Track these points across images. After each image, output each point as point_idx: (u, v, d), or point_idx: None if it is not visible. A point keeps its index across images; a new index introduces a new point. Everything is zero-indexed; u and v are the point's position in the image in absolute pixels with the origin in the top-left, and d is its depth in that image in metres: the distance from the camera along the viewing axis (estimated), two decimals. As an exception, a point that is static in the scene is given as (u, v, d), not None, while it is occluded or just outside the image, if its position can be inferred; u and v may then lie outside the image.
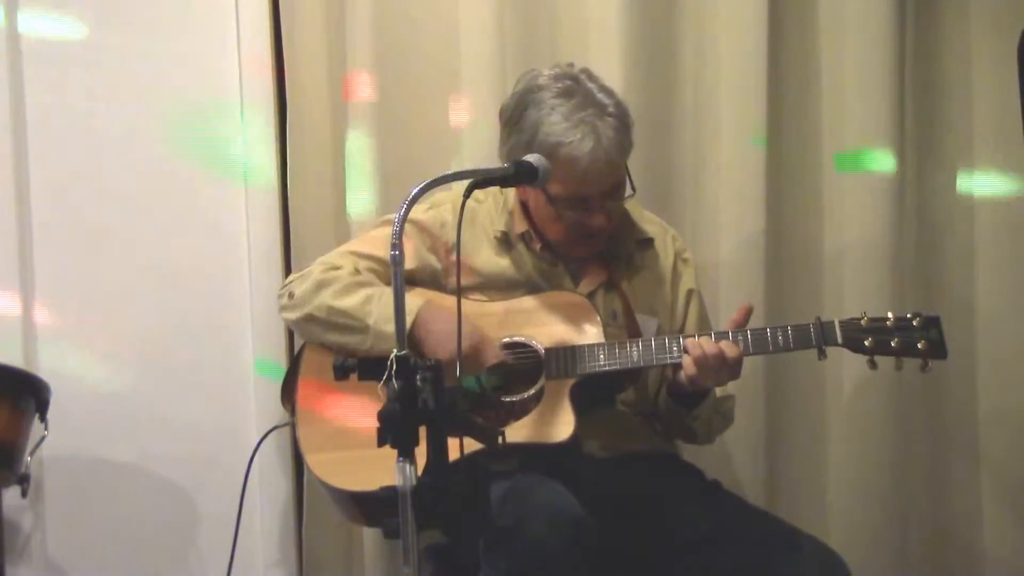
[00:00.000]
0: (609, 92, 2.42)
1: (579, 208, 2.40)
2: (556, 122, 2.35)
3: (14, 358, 2.83)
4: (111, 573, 2.96)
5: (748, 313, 2.39)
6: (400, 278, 1.90)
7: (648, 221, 2.63)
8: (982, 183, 3.12)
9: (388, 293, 2.38)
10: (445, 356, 2.24)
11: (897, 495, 3.04)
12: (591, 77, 2.43)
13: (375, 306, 2.39)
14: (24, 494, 2.71)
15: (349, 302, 2.41)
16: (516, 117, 2.41)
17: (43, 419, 2.74)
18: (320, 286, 2.45)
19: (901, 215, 3.04)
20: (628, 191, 2.45)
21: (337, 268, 2.48)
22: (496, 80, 2.90)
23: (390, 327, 2.33)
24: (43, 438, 2.75)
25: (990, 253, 3.12)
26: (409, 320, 2.32)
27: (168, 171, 2.97)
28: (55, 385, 2.76)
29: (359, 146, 2.91)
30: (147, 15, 2.96)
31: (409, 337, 2.30)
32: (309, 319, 2.45)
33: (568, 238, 2.46)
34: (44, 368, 2.88)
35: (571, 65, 2.46)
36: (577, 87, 2.39)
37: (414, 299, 2.38)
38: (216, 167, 2.98)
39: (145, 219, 2.97)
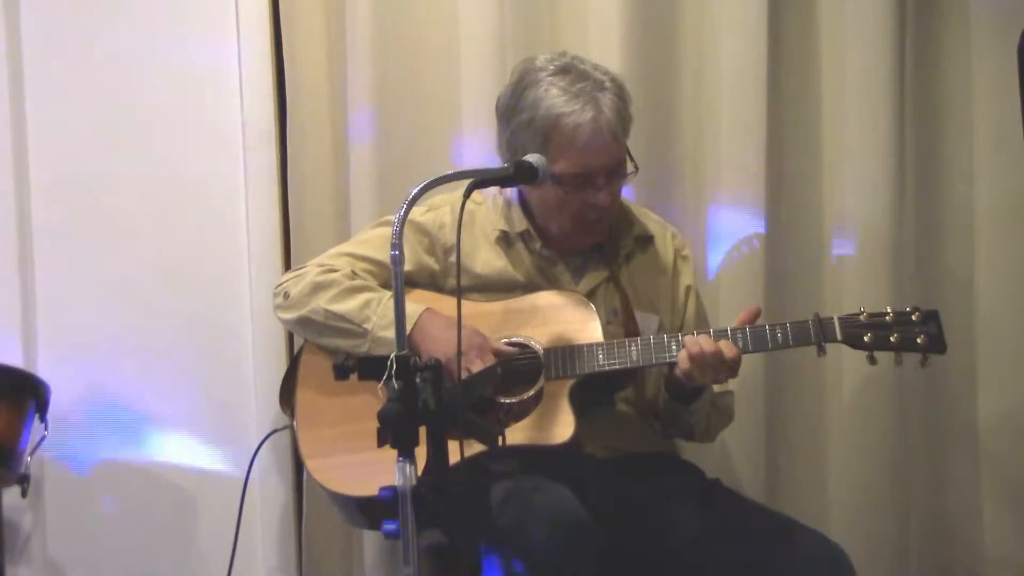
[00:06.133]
0: (604, 70, 2.43)
1: (585, 187, 2.39)
2: (556, 95, 2.36)
3: (14, 358, 2.83)
4: (111, 573, 2.97)
5: (755, 316, 2.38)
6: (400, 279, 1.90)
7: (648, 218, 2.63)
8: (982, 183, 3.11)
9: (387, 298, 2.39)
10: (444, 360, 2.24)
11: (897, 492, 3.04)
12: (583, 60, 2.44)
13: (373, 311, 2.39)
14: (24, 494, 2.72)
15: (347, 306, 2.41)
16: (514, 102, 2.41)
17: (43, 419, 2.74)
18: (316, 288, 2.44)
19: (901, 215, 3.04)
20: (631, 168, 2.44)
21: (334, 270, 2.47)
22: (497, 75, 2.89)
23: (388, 333, 2.34)
24: (43, 438, 2.76)
25: (990, 254, 3.11)
26: (409, 326, 2.32)
27: (167, 172, 2.97)
28: (55, 385, 2.76)
29: (359, 145, 2.91)
30: (147, 15, 2.96)
31: (409, 342, 2.30)
32: (305, 321, 2.45)
33: (574, 225, 2.45)
34: (44, 368, 2.88)
35: (563, 53, 2.47)
36: (572, 65, 2.41)
37: (415, 305, 2.38)
38: (216, 168, 2.97)
39: (145, 219, 2.97)
